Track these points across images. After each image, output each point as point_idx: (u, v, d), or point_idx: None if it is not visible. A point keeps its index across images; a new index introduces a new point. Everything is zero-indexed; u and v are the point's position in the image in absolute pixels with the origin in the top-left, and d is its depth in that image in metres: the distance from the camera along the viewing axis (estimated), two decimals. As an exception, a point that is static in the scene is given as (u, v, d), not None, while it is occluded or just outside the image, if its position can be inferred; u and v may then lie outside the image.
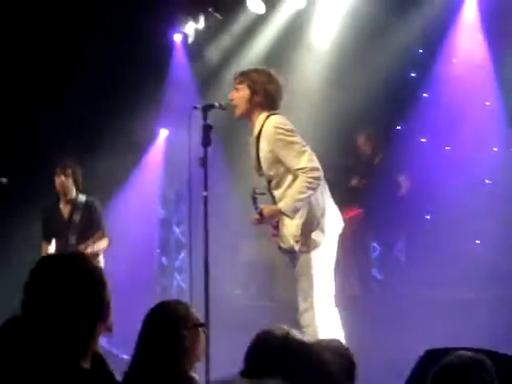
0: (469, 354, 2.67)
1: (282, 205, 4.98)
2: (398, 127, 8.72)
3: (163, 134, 9.34)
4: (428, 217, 8.41)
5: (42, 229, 6.98)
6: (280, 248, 5.15)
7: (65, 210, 6.95)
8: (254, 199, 5.00)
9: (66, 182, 6.87)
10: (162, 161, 9.32)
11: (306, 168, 4.94)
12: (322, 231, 5.03)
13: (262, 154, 5.11)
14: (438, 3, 7.87)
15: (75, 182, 6.93)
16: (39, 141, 8.34)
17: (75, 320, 2.26)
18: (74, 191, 6.93)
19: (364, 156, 8.34)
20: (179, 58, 8.90)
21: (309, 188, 4.91)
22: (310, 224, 5.00)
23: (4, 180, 6.94)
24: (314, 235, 5.00)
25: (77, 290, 2.28)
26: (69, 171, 6.87)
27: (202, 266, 5.18)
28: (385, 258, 8.41)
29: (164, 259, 9.60)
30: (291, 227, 5.00)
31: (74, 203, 6.91)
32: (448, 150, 8.35)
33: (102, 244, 6.80)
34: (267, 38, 8.42)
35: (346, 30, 8.13)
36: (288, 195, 4.97)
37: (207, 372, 4.47)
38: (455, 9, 8.12)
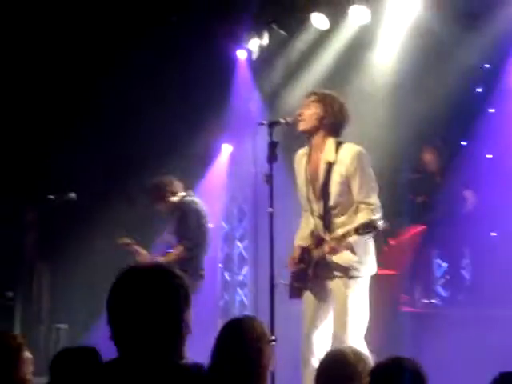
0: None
1: (352, 239, 4.95)
2: (464, 143, 8.60)
3: (227, 149, 9.39)
4: (494, 234, 8.26)
5: None
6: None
7: None
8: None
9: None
10: (225, 176, 9.37)
11: (375, 205, 4.98)
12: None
13: (335, 179, 5.09)
14: (503, 17, 7.76)
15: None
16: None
17: (155, 334, 2.26)
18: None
19: (429, 171, 8.26)
20: (243, 74, 8.95)
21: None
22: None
23: (73, 195, 7.08)
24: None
25: (156, 303, 2.27)
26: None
27: (265, 281, 5.21)
28: (449, 276, 8.30)
29: (227, 274, 9.63)
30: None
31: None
32: (515, 166, 8.20)
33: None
34: (331, 55, 8.41)
35: (411, 46, 8.07)
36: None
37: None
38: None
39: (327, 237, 5.11)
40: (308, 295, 5.22)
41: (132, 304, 2.27)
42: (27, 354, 3.63)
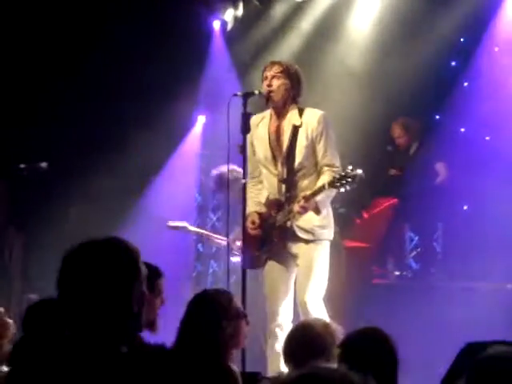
0: (505, 348, 2.64)
1: (318, 198, 5.01)
2: (437, 116, 8.63)
3: (201, 120, 9.35)
4: (465, 207, 8.32)
5: None
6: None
7: None
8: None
9: None
10: (199, 147, 9.34)
11: (339, 168, 5.07)
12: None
13: (300, 142, 5.14)
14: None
15: None
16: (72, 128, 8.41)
17: (105, 310, 2.25)
18: None
19: (400, 146, 8.28)
20: (218, 44, 8.89)
21: (334, 191, 5.07)
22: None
23: (44, 165, 7.02)
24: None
25: (106, 279, 2.25)
26: None
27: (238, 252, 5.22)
28: (421, 248, 8.37)
29: (200, 246, 9.63)
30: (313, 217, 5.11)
31: None
32: (488, 140, 8.25)
33: None
34: (305, 26, 8.38)
35: (386, 19, 8.06)
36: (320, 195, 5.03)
37: (243, 360, 4.49)
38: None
39: (289, 200, 5.13)
40: (270, 264, 5.24)
41: (78, 278, 2.27)
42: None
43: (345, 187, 4.91)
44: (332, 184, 4.90)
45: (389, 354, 3.04)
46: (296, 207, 5.04)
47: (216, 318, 3.32)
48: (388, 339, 3.11)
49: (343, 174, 4.88)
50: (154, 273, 3.35)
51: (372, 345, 2.99)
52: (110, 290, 2.26)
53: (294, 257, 5.19)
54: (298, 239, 5.17)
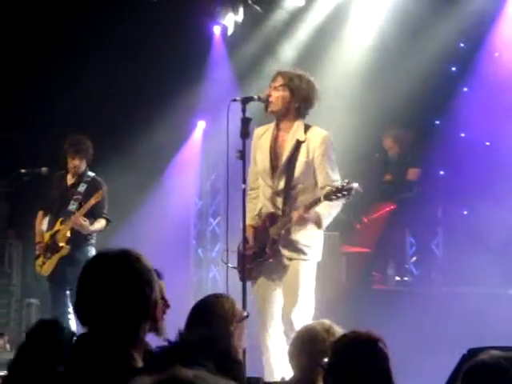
0: (500, 353, 2.64)
1: (321, 211, 5.03)
2: (437, 122, 8.64)
3: (200, 125, 9.36)
4: (465, 212, 8.32)
5: (43, 196, 7.10)
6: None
7: (70, 179, 7.02)
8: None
9: (79, 164, 6.92)
10: (199, 152, 9.34)
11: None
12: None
13: (301, 157, 5.15)
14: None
15: (87, 161, 6.99)
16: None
17: (120, 317, 2.30)
18: (83, 167, 6.98)
19: (393, 155, 8.35)
20: (218, 49, 8.90)
21: (339, 207, 5.09)
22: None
23: (45, 170, 7.03)
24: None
25: (121, 287, 2.31)
26: (83, 154, 6.92)
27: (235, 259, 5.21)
28: (421, 254, 8.37)
29: (200, 251, 9.63)
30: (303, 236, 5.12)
31: (80, 175, 6.97)
32: (488, 145, 8.25)
33: (98, 225, 6.84)
34: (306, 32, 8.38)
35: (386, 24, 8.07)
36: (323, 207, 5.03)
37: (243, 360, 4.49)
38: (498, 2, 8.01)
39: (285, 214, 5.13)
40: (261, 279, 5.24)
41: (96, 288, 2.33)
42: None
43: (340, 200, 4.93)
44: (327, 197, 4.91)
45: (378, 359, 3.00)
46: (295, 215, 5.03)
47: (224, 323, 3.33)
48: (376, 341, 3.07)
49: (339, 187, 4.88)
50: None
51: (359, 346, 2.96)
52: (122, 298, 2.31)
53: (284, 270, 5.19)
54: (289, 255, 5.16)
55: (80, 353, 2.30)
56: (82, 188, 6.92)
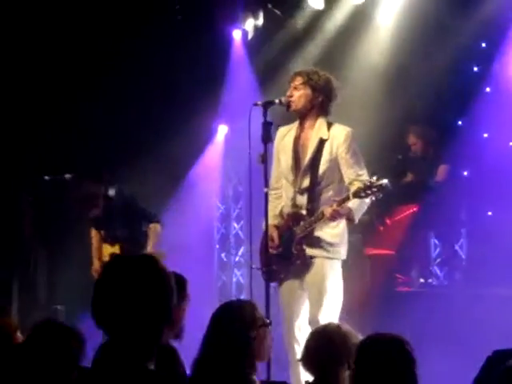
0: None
1: (352, 206, 5.02)
2: (460, 122, 8.59)
3: (222, 130, 9.38)
4: (489, 213, 8.27)
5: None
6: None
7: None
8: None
9: (96, 210, 6.90)
10: (221, 157, 9.36)
11: (368, 179, 5.02)
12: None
13: (325, 155, 5.15)
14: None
15: (100, 197, 6.91)
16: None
17: (141, 322, 2.28)
18: (100, 206, 6.92)
19: (416, 153, 8.29)
20: (238, 54, 8.92)
21: (369, 202, 5.06)
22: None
23: (69, 176, 7.07)
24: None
25: (143, 292, 2.29)
26: (94, 202, 6.87)
27: (258, 262, 5.21)
28: (446, 255, 8.33)
29: (223, 255, 9.64)
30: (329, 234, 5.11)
31: (105, 206, 6.90)
32: (511, 145, 8.19)
33: (155, 236, 6.83)
34: (326, 35, 8.38)
35: (407, 25, 8.04)
36: (354, 201, 5.00)
37: (268, 369, 4.48)
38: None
39: (310, 213, 5.12)
40: (287, 281, 5.23)
41: (116, 290, 2.30)
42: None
43: (370, 197, 4.91)
44: (357, 194, 4.90)
45: (405, 361, 3.00)
46: (328, 210, 5.00)
47: (243, 328, 3.32)
48: (403, 344, 3.07)
49: (368, 184, 4.87)
50: (180, 281, 3.37)
51: (386, 349, 2.96)
52: (144, 302, 2.29)
53: (307, 273, 5.18)
54: (315, 254, 5.16)
55: (104, 363, 2.28)
56: (113, 215, 6.88)
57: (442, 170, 8.12)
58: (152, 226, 6.87)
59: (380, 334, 3.03)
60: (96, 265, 7.03)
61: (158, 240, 6.87)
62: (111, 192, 6.92)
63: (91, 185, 6.88)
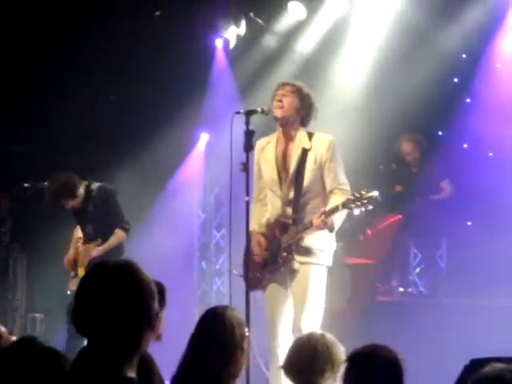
0: (503, 365, 2.63)
1: (336, 216, 5.05)
2: (440, 133, 8.64)
3: (204, 138, 9.38)
4: (469, 223, 8.32)
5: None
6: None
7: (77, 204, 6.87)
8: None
9: (73, 202, 6.78)
10: (202, 165, 9.36)
11: (349, 190, 5.11)
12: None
13: (309, 165, 5.18)
14: (481, 8, 7.79)
15: (79, 190, 6.78)
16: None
17: (123, 328, 2.27)
18: (81, 195, 6.81)
19: (407, 162, 8.27)
20: (220, 62, 8.93)
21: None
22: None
23: (47, 183, 7.02)
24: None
25: (125, 298, 2.29)
26: (70, 195, 6.75)
27: (241, 269, 5.21)
28: (425, 265, 8.36)
29: (204, 263, 9.63)
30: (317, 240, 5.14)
31: (84, 199, 6.81)
32: (491, 155, 8.25)
33: (115, 240, 6.77)
34: (308, 44, 8.41)
35: (388, 36, 8.09)
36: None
37: (247, 374, 4.49)
38: (499, 14, 8.03)
39: (296, 222, 5.15)
40: (271, 286, 5.25)
41: (97, 298, 2.29)
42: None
43: (359, 209, 4.92)
44: (346, 205, 4.93)
45: (396, 375, 3.02)
46: (318, 221, 5.01)
47: (232, 333, 3.35)
48: (394, 356, 3.08)
49: (358, 195, 4.89)
50: (159, 289, 3.36)
51: (379, 361, 2.97)
52: (124, 309, 2.29)
53: (292, 279, 5.19)
54: (300, 261, 5.18)
55: (81, 367, 2.27)
56: (90, 208, 6.84)
57: (445, 187, 8.08)
58: (117, 230, 6.79)
59: (372, 345, 3.03)
60: (70, 255, 6.95)
61: (115, 245, 6.76)
62: (93, 186, 6.86)
63: (68, 175, 6.79)
